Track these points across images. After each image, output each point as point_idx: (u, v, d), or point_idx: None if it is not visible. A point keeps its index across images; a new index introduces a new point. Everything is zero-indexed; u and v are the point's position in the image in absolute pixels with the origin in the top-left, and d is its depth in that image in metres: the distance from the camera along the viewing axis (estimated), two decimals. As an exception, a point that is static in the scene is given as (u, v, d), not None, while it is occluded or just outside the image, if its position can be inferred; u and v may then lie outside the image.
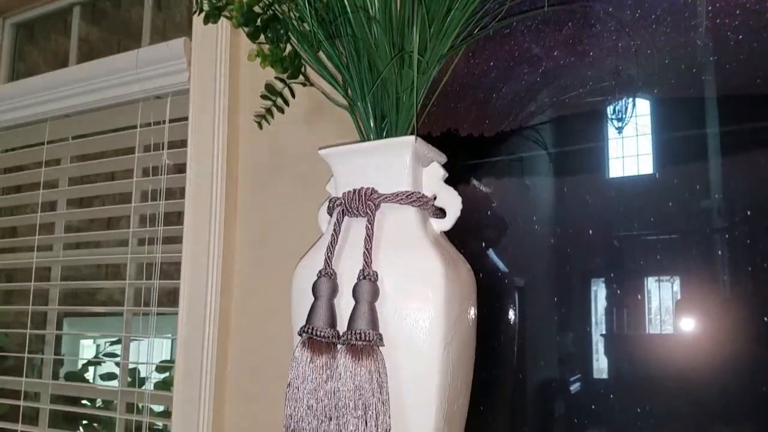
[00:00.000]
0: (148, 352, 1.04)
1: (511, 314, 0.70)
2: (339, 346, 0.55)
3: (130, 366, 1.19)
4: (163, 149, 1.04)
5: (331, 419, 0.53)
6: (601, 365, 0.65)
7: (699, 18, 0.64)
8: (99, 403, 1.34)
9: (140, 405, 1.08)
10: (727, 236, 0.61)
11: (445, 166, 0.65)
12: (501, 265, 0.72)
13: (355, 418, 0.51)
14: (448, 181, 0.63)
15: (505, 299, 0.71)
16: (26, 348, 1.20)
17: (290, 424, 0.55)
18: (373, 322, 0.55)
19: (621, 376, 0.64)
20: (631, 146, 0.67)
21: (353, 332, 0.54)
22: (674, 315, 0.63)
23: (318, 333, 0.55)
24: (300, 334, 0.56)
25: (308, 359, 0.55)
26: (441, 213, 0.63)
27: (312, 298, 0.58)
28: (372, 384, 0.52)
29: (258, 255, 0.93)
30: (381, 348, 0.55)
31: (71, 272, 1.31)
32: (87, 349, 1.51)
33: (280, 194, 0.92)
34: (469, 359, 0.62)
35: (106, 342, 1.44)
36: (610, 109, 0.68)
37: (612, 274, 0.66)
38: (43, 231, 1.23)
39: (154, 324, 1.01)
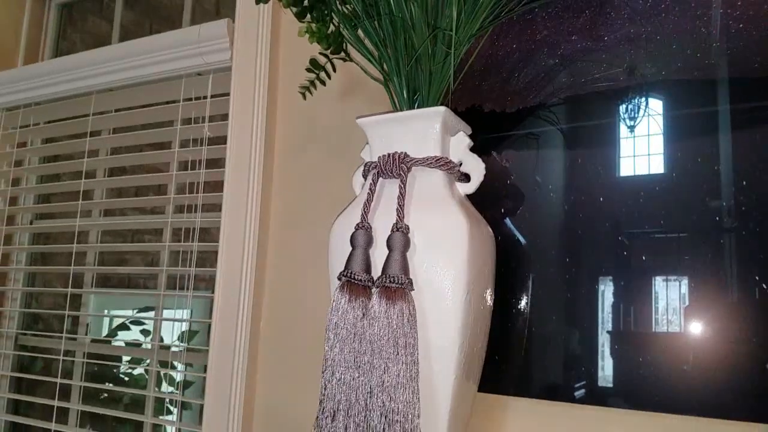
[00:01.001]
0: (184, 311, 1.12)
1: (524, 275, 0.77)
2: (373, 290, 0.62)
3: (161, 336, 1.27)
4: (204, 122, 1.12)
5: (365, 354, 0.60)
6: (606, 319, 0.72)
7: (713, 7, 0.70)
8: (124, 366, 1.42)
9: (175, 362, 1.16)
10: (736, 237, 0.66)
11: (470, 136, 0.73)
12: (516, 231, 0.78)
13: (387, 353, 0.59)
14: (472, 150, 0.70)
15: (519, 261, 0.77)
16: (65, 321, 1.29)
17: (329, 359, 0.62)
18: (405, 269, 0.62)
19: (622, 331, 0.71)
20: (642, 143, 0.73)
21: (387, 276, 0.61)
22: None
23: (355, 277, 0.63)
24: (339, 278, 0.64)
25: (346, 300, 0.62)
26: (465, 178, 0.70)
27: (349, 249, 0.65)
28: (403, 323, 0.59)
29: (292, 220, 1.01)
30: (411, 293, 0.62)
31: (108, 238, 1.39)
32: (113, 321, 1.59)
33: (313, 164, 0.99)
34: (488, 309, 0.69)
35: (134, 311, 1.52)
36: (622, 108, 0.74)
37: (607, 225, 0.72)
38: (85, 198, 1.31)
39: (191, 283, 1.09)
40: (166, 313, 1.20)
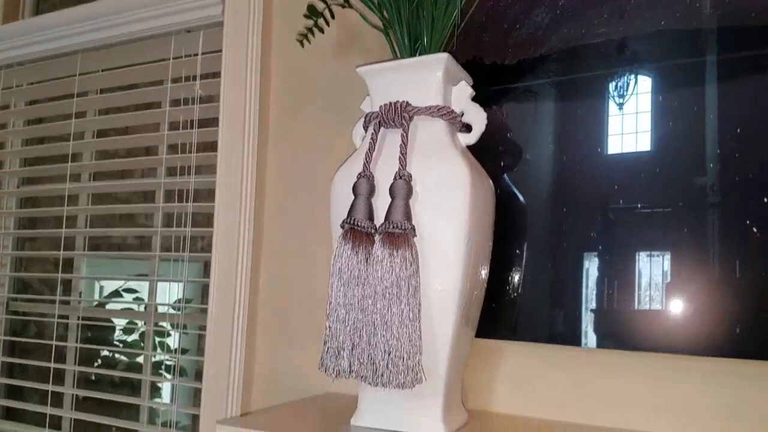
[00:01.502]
0: (181, 272, 1.12)
1: (521, 228, 0.78)
2: (376, 237, 0.63)
3: (157, 301, 1.27)
4: (195, 80, 1.10)
5: (369, 297, 0.61)
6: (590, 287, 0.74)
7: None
8: (118, 332, 1.42)
9: (170, 325, 1.17)
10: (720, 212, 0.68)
11: (471, 87, 0.73)
12: (513, 186, 0.79)
13: (390, 295, 0.59)
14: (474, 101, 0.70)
15: (515, 214, 0.78)
16: (58, 286, 1.28)
17: (333, 303, 0.63)
18: (408, 216, 0.62)
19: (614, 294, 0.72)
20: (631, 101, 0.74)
21: (390, 222, 0.62)
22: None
23: (358, 224, 0.63)
24: (342, 226, 0.64)
25: (350, 247, 0.63)
26: (466, 129, 0.71)
27: (351, 199, 0.65)
28: (405, 267, 0.60)
29: (289, 178, 1.00)
30: (414, 239, 0.62)
31: (98, 202, 1.37)
32: (102, 289, 1.58)
33: (309, 120, 0.99)
34: (487, 257, 0.70)
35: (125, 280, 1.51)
36: (612, 86, 0.74)
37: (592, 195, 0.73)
38: (73, 161, 1.30)
39: (188, 243, 1.09)
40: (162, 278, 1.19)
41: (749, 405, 0.67)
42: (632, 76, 0.73)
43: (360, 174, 0.66)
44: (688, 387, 0.69)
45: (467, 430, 0.68)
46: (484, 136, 0.70)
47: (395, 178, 0.63)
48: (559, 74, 0.77)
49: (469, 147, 0.71)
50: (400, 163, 0.64)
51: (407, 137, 0.66)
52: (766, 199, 0.66)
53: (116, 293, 1.54)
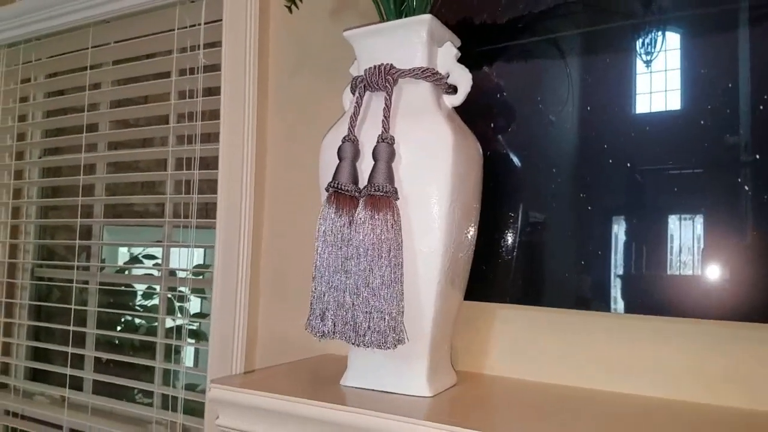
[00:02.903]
0: (190, 238, 1.15)
1: (514, 189, 0.77)
2: (360, 200, 0.63)
3: (171, 267, 1.30)
4: (199, 50, 1.11)
5: (352, 259, 0.61)
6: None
7: None
8: (140, 298, 1.47)
9: (184, 289, 1.20)
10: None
11: (460, 49, 0.72)
12: (507, 147, 0.78)
13: (372, 257, 0.60)
14: (462, 63, 0.70)
15: (509, 177, 0.78)
16: (76, 250, 1.32)
17: (318, 265, 0.64)
18: (390, 178, 0.63)
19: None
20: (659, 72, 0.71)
21: (373, 185, 0.62)
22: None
23: (342, 187, 0.64)
24: (327, 189, 0.65)
25: (334, 210, 0.63)
26: (453, 90, 0.70)
27: (337, 163, 0.66)
28: (387, 229, 0.61)
29: (288, 144, 1.01)
30: (396, 202, 0.63)
31: (113, 170, 1.41)
32: (123, 256, 1.64)
33: (307, 86, 0.99)
34: (473, 219, 0.70)
35: (143, 248, 1.55)
36: (639, 43, 0.70)
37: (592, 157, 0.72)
38: (88, 131, 1.33)
39: (195, 209, 1.11)
40: (174, 246, 1.22)
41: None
42: (659, 32, 0.70)
43: (345, 138, 0.66)
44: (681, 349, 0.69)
45: (454, 391, 0.69)
46: (475, 97, 0.69)
47: (378, 141, 0.64)
48: (579, 26, 0.74)
49: (461, 110, 0.71)
50: (383, 126, 0.64)
51: (391, 100, 0.65)
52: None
53: (136, 259, 1.59)
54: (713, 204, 0.66)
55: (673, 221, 0.68)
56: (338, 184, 0.64)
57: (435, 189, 0.63)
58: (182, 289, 1.20)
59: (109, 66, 1.35)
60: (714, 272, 0.65)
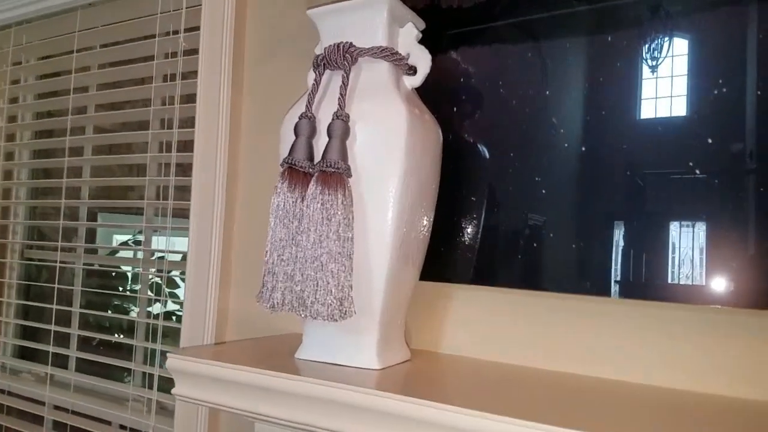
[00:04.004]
0: (168, 222, 1.16)
1: (477, 173, 0.78)
2: (313, 177, 0.64)
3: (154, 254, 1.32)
4: (180, 33, 1.13)
5: (303, 233, 0.62)
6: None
7: None
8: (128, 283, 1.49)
9: (159, 269, 1.21)
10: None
11: (423, 32, 0.73)
12: (471, 131, 0.79)
13: (320, 231, 0.61)
14: (427, 46, 0.71)
15: (471, 161, 0.78)
16: (60, 234, 1.34)
17: (271, 240, 0.65)
18: (343, 155, 0.64)
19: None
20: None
21: (325, 162, 0.63)
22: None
23: (296, 163, 0.65)
24: (281, 165, 0.66)
25: (287, 185, 0.65)
26: (413, 71, 0.71)
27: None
28: (337, 205, 0.62)
29: (262, 126, 1.03)
30: (349, 179, 0.64)
31: (101, 162, 1.42)
32: (118, 242, 1.67)
33: (282, 69, 1.01)
34: (429, 199, 0.71)
35: (134, 234, 1.57)
36: (645, 48, 0.69)
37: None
38: (75, 113, 1.34)
39: (172, 192, 1.12)
40: (153, 227, 1.24)
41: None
42: (666, 38, 0.68)
43: (302, 115, 0.67)
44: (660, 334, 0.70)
45: (406, 366, 0.70)
46: (440, 80, 0.70)
47: (333, 118, 0.65)
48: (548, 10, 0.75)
49: (427, 92, 0.72)
50: (339, 103, 0.65)
51: (348, 78, 0.66)
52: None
53: (125, 244, 1.61)
54: (716, 211, 0.64)
55: (673, 227, 0.69)
56: (292, 160, 0.65)
57: (388, 168, 0.64)
58: (159, 270, 1.21)
59: (96, 49, 1.36)
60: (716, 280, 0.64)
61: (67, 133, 1.33)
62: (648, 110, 0.69)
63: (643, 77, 0.69)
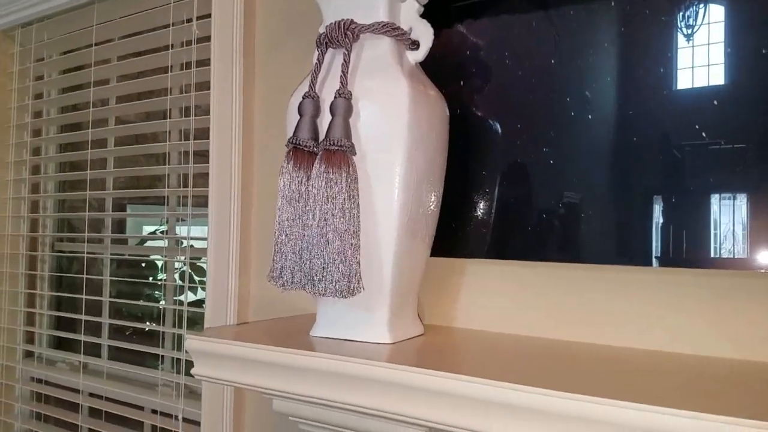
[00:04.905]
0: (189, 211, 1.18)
1: (487, 147, 0.77)
2: (317, 155, 0.65)
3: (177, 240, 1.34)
4: (192, 21, 1.14)
5: (309, 213, 0.63)
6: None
7: None
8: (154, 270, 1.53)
9: (182, 258, 1.24)
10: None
11: (427, 6, 0.72)
12: (481, 106, 0.78)
13: (326, 209, 0.61)
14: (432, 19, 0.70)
15: (481, 135, 0.78)
16: (86, 225, 1.38)
17: (279, 220, 0.66)
18: (347, 133, 0.64)
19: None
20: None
21: (329, 140, 0.63)
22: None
23: (301, 143, 0.65)
24: (286, 145, 0.66)
25: (291, 165, 0.65)
26: (416, 46, 0.70)
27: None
28: (341, 182, 0.62)
29: (276, 113, 1.03)
30: (353, 156, 0.64)
31: (123, 152, 1.45)
32: (147, 232, 1.71)
33: (293, 52, 1.01)
34: (436, 174, 0.70)
35: (163, 224, 1.61)
36: (679, 16, 0.66)
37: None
38: (97, 105, 1.37)
39: (191, 179, 1.14)
40: (179, 226, 1.26)
41: None
42: (701, 4, 0.66)
43: (305, 94, 0.67)
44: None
45: (419, 340, 0.70)
46: (447, 55, 0.69)
47: (335, 96, 0.65)
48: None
49: (433, 66, 0.72)
50: (341, 81, 0.65)
51: (350, 55, 0.66)
52: None
53: (154, 234, 1.64)
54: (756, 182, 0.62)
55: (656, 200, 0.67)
56: (297, 139, 0.65)
57: (393, 144, 0.64)
58: (182, 258, 1.24)
59: (115, 41, 1.38)
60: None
61: (89, 125, 1.36)
62: (685, 80, 0.67)
63: (679, 46, 0.67)
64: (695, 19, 0.66)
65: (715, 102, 0.64)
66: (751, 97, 0.62)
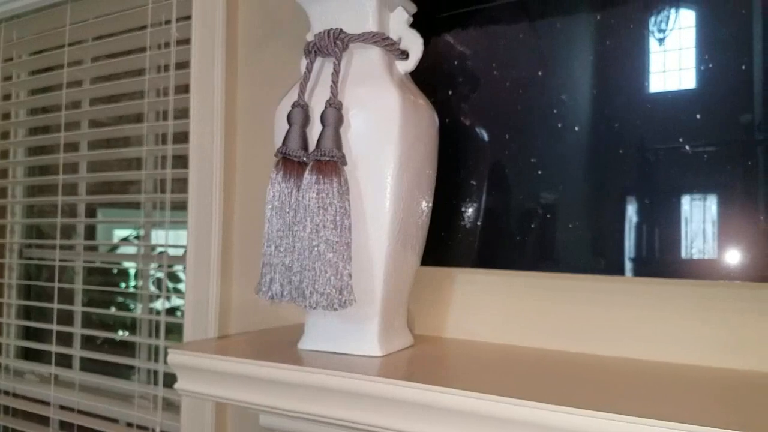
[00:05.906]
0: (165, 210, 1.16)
1: (476, 156, 0.77)
2: (308, 166, 0.64)
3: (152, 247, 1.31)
4: (171, 23, 1.11)
5: (299, 224, 0.62)
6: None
7: None
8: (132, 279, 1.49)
9: (161, 265, 1.21)
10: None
11: (415, 16, 0.72)
12: (469, 115, 0.78)
13: (317, 221, 0.60)
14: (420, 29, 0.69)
15: (469, 144, 0.78)
16: (58, 231, 1.34)
17: (267, 231, 0.64)
18: (338, 143, 0.63)
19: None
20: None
21: (320, 150, 0.62)
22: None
23: (290, 153, 0.64)
24: (276, 156, 0.65)
25: (282, 175, 0.64)
26: (405, 56, 0.70)
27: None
28: (333, 193, 0.61)
29: (257, 116, 1.02)
30: (344, 167, 0.63)
31: (97, 157, 1.41)
32: (119, 238, 1.67)
33: (276, 56, 0.99)
34: (426, 184, 0.70)
35: (136, 229, 1.57)
36: (651, 21, 0.68)
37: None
38: (70, 108, 1.33)
39: (169, 185, 1.12)
40: (152, 221, 1.23)
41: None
42: (672, 9, 0.67)
43: (294, 103, 0.66)
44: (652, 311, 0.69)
45: (409, 351, 0.69)
46: (436, 64, 0.68)
47: (326, 106, 0.64)
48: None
49: (421, 76, 0.71)
50: (331, 91, 0.64)
51: (339, 65, 0.65)
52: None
53: (125, 240, 1.60)
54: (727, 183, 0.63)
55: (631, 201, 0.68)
56: (286, 150, 0.64)
57: (383, 154, 0.63)
58: (161, 266, 1.21)
59: (89, 42, 1.35)
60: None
61: (62, 129, 1.32)
62: (657, 84, 0.68)
63: (651, 51, 0.68)
64: (666, 24, 0.68)
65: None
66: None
